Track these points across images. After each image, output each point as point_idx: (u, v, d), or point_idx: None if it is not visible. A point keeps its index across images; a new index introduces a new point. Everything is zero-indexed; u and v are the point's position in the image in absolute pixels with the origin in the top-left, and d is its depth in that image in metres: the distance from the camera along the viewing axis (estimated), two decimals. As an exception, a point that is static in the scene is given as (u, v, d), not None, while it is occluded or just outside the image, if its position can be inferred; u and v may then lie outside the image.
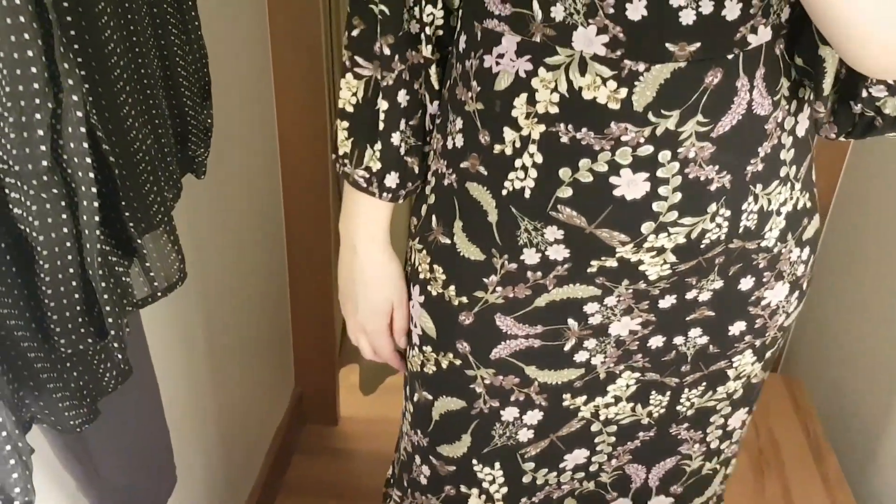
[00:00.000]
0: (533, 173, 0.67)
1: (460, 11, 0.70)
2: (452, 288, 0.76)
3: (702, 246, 0.68)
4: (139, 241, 0.62)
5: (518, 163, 0.67)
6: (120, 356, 0.61)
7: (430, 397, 0.84)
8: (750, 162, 0.66)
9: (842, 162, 1.45)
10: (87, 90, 0.59)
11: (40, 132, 0.51)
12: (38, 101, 0.50)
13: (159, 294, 0.69)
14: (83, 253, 0.55)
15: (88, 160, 0.53)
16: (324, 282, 1.72)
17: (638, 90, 0.61)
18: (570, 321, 0.75)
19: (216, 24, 1.15)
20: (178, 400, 1.18)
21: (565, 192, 0.66)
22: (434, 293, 0.78)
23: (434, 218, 0.76)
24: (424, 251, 0.78)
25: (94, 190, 0.54)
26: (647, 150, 0.63)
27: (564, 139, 0.64)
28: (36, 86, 0.50)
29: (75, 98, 0.52)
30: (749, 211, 0.69)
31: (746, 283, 0.74)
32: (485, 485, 0.87)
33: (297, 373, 1.88)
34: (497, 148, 0.68)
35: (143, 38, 0.71)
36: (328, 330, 1.80)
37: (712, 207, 0.66)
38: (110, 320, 0.57)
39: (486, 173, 0.70)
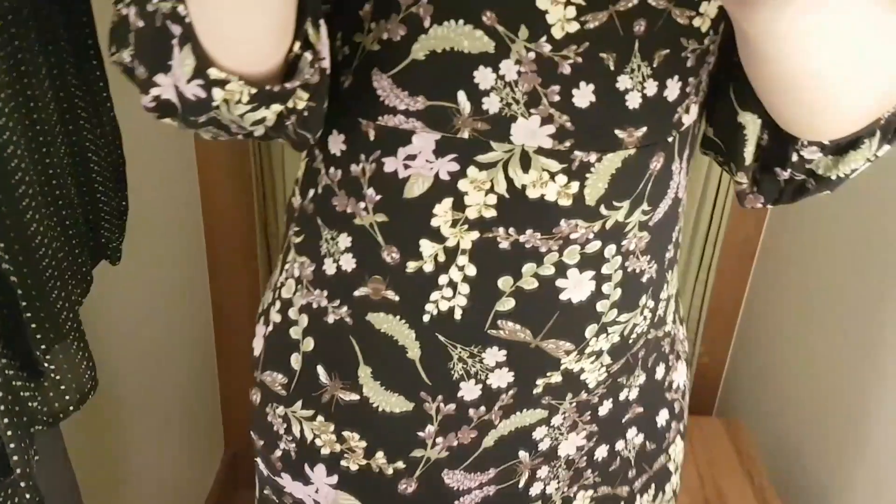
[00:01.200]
0: (464, 289, 0.57)
1: (324, 105, 0.53)
2: (381, 454, 0.63)
3: (630, 342, 0.64)
4: (47, 357, 0.55)
5: (443, 279, 0.57)
6: (30, 485, 0.54)
7: None
8: (668, 248, 0.63)
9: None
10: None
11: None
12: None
13: (71, 408, 0.62)
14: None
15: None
16: (249, 337, 1.65)
17: (590, 182, 0.55)
18: (521, 453, 0.65)
19: (130, 101, 1.09)
20: (92, 472, 1.09)
21: (506, 305, 0.58)
22: (354, 468, 0.64)
23: (320, 370, 0.62)
24: (320, 417, 0.63)
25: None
26: (595, 245, 0.58)
27: (504, 245, 0.56)
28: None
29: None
30: (664, 298, 0.65)
31: (660, 371, 0.71)
32: None
33: (227, 435, 1.79)
34: (411, 266, 0.57)
35: (49, 124, 0.66)
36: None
37: (643, 300, 0.62)
38: (15, 458, 0.51)
39: (396, 299, 0.58)
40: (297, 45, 0.47)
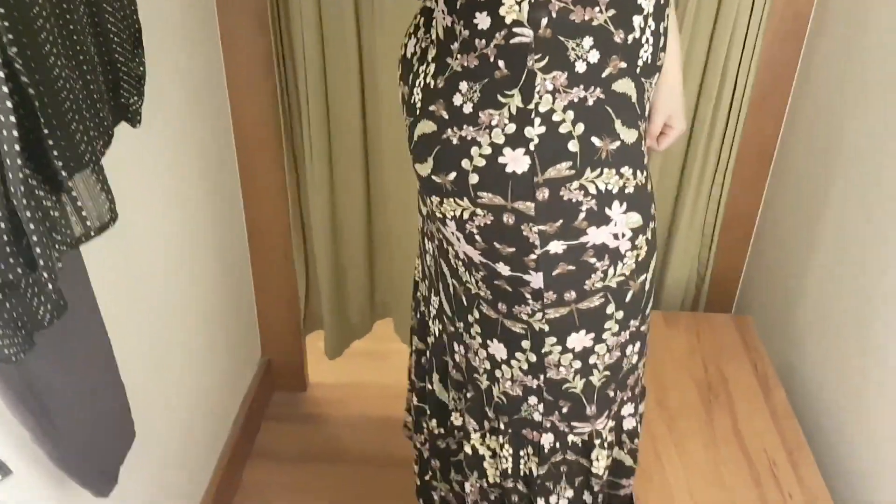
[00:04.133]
0: (652, 39, 0.82)
1: None
2: (642, 174, 0.87)
3: None
4: (64, 174, 0.63)
5: (643, 38, 0.81)
6: (52, 288, 0.62)
7: None
8: None
9: (785, 103, 1.48)
10: (6, 27, 0.60)
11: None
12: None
13: (92, 233, 0.70)
14: (6, 183, 0.56)
15: (4, 88, 0.54)
16: (284, 248, 1.73)
17: None
18: None
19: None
20: (139, 368, 1.19)
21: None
22: (632, 189, 0.87)
23: (594, 140, 0.82)
24: (605, 169, 0.84)
25: (12, 119, 0.55)
26: None
27: None
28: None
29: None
30: None
31: None
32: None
33: (264, 342, 1.89)
34: (629, 37, 0.79)
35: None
36: (292, 298, 1.82)
37: None
38: (38, 250, 0.59)
39: (624, 65, 0.80)
40: None
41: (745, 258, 1.63)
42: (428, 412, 1.21)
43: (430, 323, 1.15)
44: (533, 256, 0.86)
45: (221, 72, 1.51)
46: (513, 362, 0.98)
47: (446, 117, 0.82)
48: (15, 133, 0.55)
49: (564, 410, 1.01)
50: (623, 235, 0.88)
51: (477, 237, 0.88)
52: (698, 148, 1.50)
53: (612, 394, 1.01)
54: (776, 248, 1.51)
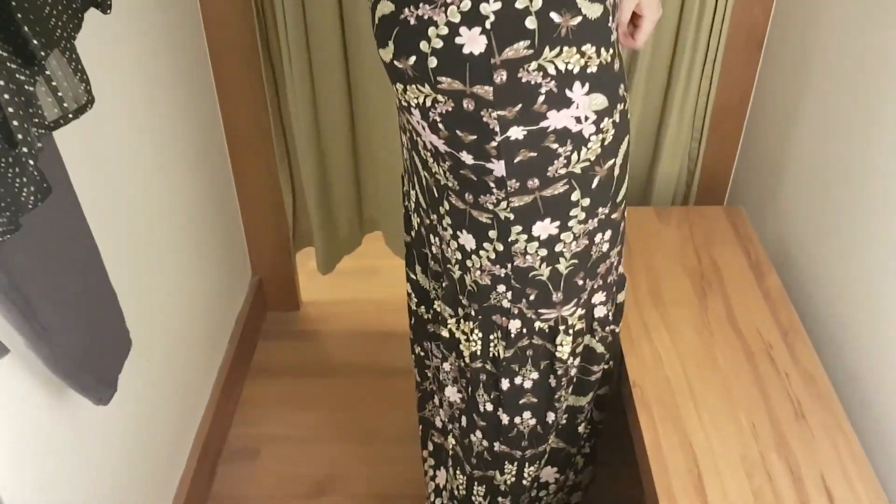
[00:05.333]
0: None
1: None
2: (608, 52, 0.84)
3: None
4: (36, 43, 0.60)
5: None
6: (33, 167, 0.59)
7: None
8: None
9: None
10: None
11: None
12: None
13: (70, 115, 0.67)
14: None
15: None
16: (267, 161, 1.70)
17: None
18: None
19: None
20: (127, 277, 1.17)
21: None
22: (595, 68, 0.83)
23: (553, 15, 0.79)
24: (565, 47, 0.80)
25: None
26: None
27: None
28: None
29: None
30: None
31: None
32: None
33: (254, 260, 1.88)
34: None
35: None
36: (279, 215, 1.79)
37: None
38: (15, 123, 0.56)
39: None
40: None
41: (737, 150, 1.62)
42: (415, 299, 1.25)
43: (412, 216, 1.15)
44: (494, 143, 0.85)
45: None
46: (481, 252, 0.98)
47: None
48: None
49: (532, 298, 1.01)
50: (586, 119, 0.85)
51: (440, 125, 0.86)
52: (686, 39, 1.47)
53: (580, 282, 1.02)
54: (767, 138, 1.50)
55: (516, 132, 0.84)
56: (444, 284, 1.10)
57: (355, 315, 1.96)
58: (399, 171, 1.71)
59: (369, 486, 1.53)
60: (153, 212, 1.29)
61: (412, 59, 0.82)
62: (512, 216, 0.92)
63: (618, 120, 0.89)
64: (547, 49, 0.79)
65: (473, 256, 0.99)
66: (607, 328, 1.12)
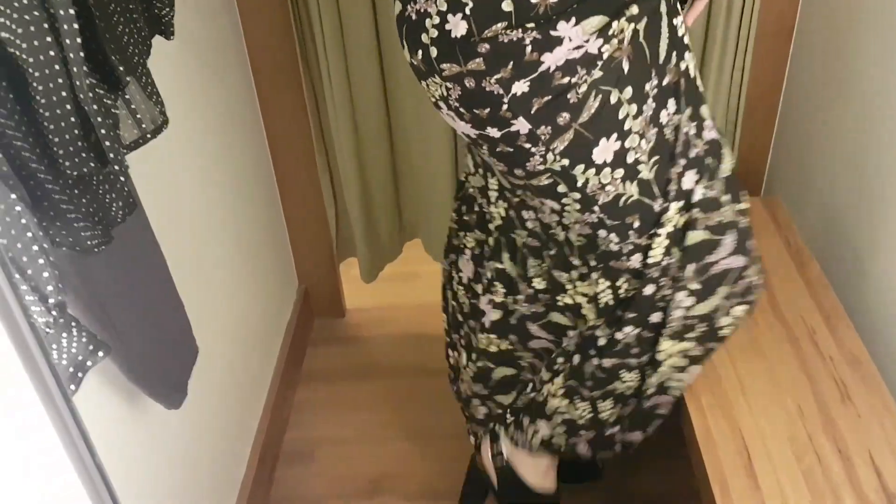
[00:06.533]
0: None
1: None
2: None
3: None
4: (122, 69, 0.65)
5: None
6: (123, 181, 0.65)
7: None
8: None
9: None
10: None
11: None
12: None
13: (149, 136, 0.73)
14: (72, 78, 0.59)
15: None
16: (311, 178, 1.76)
17: None
18: None
19: None
20: (191, 299, 1.23)
21: None
22: (576, 2, 0.82)
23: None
24: (539, 21, 0.80)
25: (71, 12, 0.57)
26: None
27: None
28: None
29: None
30: None
31: None
32: None
33: (299, 271, 1.94)
34: None
35: None
36: (322, 227, 1.85)
37: None
38: (107, 143, 0.61)
39: None
40: None
41: (772, 140, 1.63)
42: (503, 290, 1.19)
43: (493, 207, 1.15)
44: (505, 106, 0.85)
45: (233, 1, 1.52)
46: (567, 208, 0.97)
47: None
48: (75, 26, 0.57)
49: (636, 225, 0.98)
50: (586, 42, 0.82)
51: (462, 111, 0.89)
52: (717, 32, 1.49)
53: (671, 175, 0.97)
54: (801, 127, 1.52)
55: (519, 86, 0.84)
56: (550, 254, 1.09)
57: (398, 319, 2.01)
58: (434, 176, 1.75)
59: (422, 484, 1.57)
60: (210, 230, 1.35)
61: (419, 53, 0.87)
62: (567, 161, 0.90)
63: (625, 20, 0.85)
64: (524, 24, 0.81)
65: (564, 213, 0.99)
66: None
